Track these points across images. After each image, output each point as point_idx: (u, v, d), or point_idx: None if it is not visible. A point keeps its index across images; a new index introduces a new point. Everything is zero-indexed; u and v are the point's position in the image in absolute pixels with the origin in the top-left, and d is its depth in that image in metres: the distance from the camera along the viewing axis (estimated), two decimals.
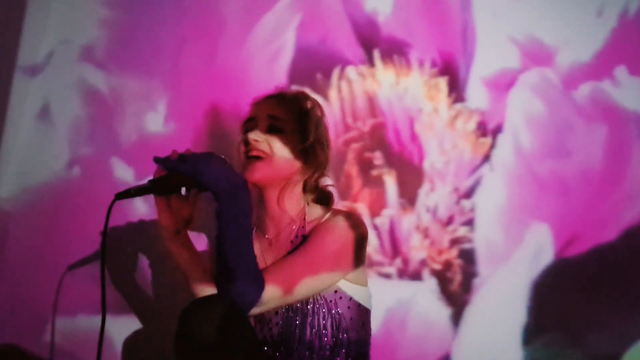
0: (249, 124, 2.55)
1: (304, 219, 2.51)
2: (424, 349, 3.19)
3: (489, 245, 3.19)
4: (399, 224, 3.23)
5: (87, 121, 3.43)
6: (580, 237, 3.12)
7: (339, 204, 2.65)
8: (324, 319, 2.45)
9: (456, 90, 3.25)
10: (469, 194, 3.21)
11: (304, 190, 2.55)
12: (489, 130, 3.21)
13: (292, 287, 2.36)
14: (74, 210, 3.33)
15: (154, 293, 3.22)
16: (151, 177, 2.38)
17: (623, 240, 3.09)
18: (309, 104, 2.58)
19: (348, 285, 2.47)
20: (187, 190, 2.35)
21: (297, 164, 2.51)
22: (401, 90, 3.28)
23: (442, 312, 3.18)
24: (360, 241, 2.48)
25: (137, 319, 3.20)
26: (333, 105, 3.28)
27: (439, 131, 3.24)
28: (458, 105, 3.25)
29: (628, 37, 3.17)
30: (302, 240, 2.46)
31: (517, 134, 3.19)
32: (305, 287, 2.39)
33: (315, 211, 2.53)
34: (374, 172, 3.27)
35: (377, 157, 3.26)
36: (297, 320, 2.45)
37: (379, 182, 3.26)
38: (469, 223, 3.20)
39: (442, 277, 3.20)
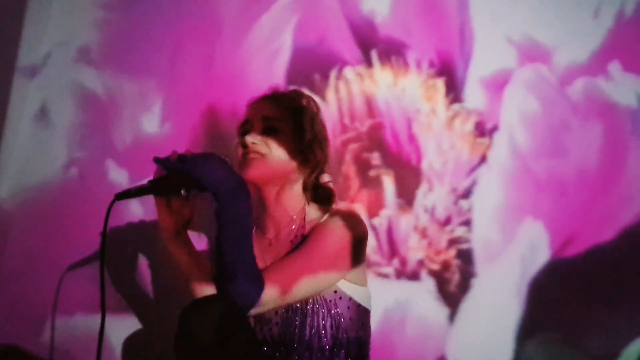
0: (245, 126, 2.55)
1: (304, 218, 2.51)
2: (422, 349, 3.19)
3: (487, 245, 3.19)
4: (396, 225, 3.23)
5: (85, 122, 3.42)
6: (577, 237, 3.13)
7: (337, 204, 2.64)
8: (323, 319, 2.45)
9: (454, 91, 3.26)
10: (466, 194, 3.21)
11: (304, 189, 2.54)
12: (486, 130, 3.22)
13: (290, 287, 2.36)
14: (73, 210, 3.32)
15: (154, 293, 3.22)
16: (150, 178, 2.38)
17: (620, 240, 3.09)
18: (303, 102, 2.58)
19: (348, 286, 2.47)
20: (186, 190, 2.34)
21: (295, 163, 2.51)
22: (399, 91, 3.28)
23: (440, 312, 3.18)
24: (359, 241, 2.48)
25: (137, 319, 3.20)
26: (331, 106, 3.28)
27: (437, 132, 3.24)
28: (456, 106, 3.25)
29: (624, 38, 3.18)
30: (302, 240, 2.47)
31: (512, 132, 3.20)
32: (304, 287, 2.39)
33: (315, 211, 2.53)
34: (372, 173, 3.27)
35: (375, 158, 3.26)
36: (296, 320, 2.45)
37: (376, 183, 3.26)
38: (467, 223, 3.20)
39: (440, 278, 3.20)
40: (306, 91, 2.78)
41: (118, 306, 3.18)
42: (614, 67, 3.16)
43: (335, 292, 2.46)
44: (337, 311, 2.46)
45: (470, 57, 3.25)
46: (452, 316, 3.18)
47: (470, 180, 3.21)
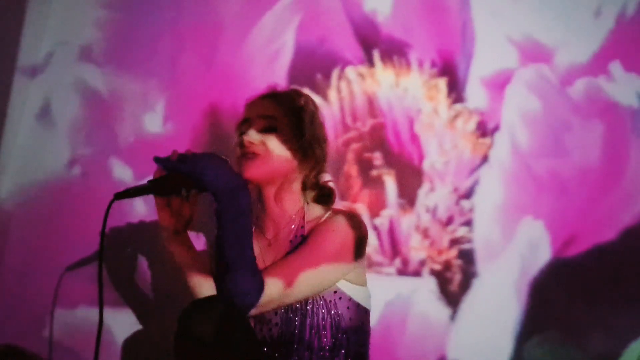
0: (243, 125, 2.54)
1: (303, 218, 2.50)
2: (423, 349, 3.19)
3: (488, 245, 3.19)
4: (398, 225, 3.23)
5: (87, 121, 3.43)
6: (579, 237, 3.13)
7: (338, 204, 2.64)
8: (323, 319, 2.44)
9: (456, 91, 3.26)
10: (468, 194, 3.21)
11: (303, 188, 2.54)
12: (488, 130, 3.22)
13: (292, 282, 2.34)
14: (75, 209, 3.33)
15: (154, 293, 3.22)
16: (151, 177, 2.38)
17: (622, 239, 3.09)
18: (301, 101, 2.56)
19: (348, 286, 2.47)
20: (187, 190, 2.34)
21: (294, 162, 2.50)
22: (401, 91, 3.29)
23: (441, 312, 3.18)
24: (360, 240, 2.47)
25: (137, 319, 3.20)
26: (333, 106, 3.29)
27: (439, 131, 3.24)
28: (457, 106, 3.25)
29: (625, 38, 3.18)
30: (302, 240, 2.46)
31: (513, 132, 3.20)
32: (306, 281, 2.37)
33: (315, 211, 2.52)
34: (374, 173, 3.27)
35: (377, 158, 3.27)
36: (296, 320, 2.45)
37: (378, 183, 3.26)
38: (469, 223, 3.20)
39: (442, 277, 3.20)
40: (308, 91, 2.78)
41: (119, 301, 3.19)
42: (615, 67, 3.16)
43: (335, 292, 2.45)
44: (337, 311, 2.45)
45: (472, 57, 3.26)
46: (453, 315, 3.18)
47: (472, 180, 3.21)
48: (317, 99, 2.67)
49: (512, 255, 3.16)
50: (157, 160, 2.32)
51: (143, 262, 3.21)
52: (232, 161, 2.38)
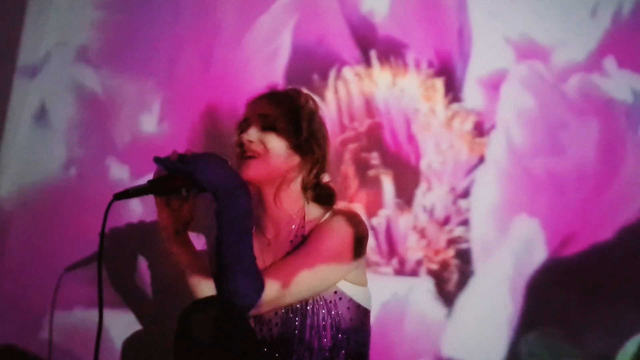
0: (243, 125, 2.55)
1: (304, 218, 2.51)
2: (420, 348, 3.19)
3: (485, 245, 3.20)
4: (395, 224, 3.23)
5: (83, 122, 3.42)
6: (576, 236, 3.13)
7: (337, 204, 2.65)
8: (323, 319, 2.45)
9: (453, 91, 3.26)
10: (465, 194, 3.21)
11: (303, 188, 2.54)
12: (485, 130, 3.22)
13: (289, 282, 2.35)
14: (73, 209, 3.32)
15: (153, 294, 3.22)
16: (151, 177, 2.38)
17: (619, 239, 3.10)
18: (301, 100, 2.57)
19: (348, 286, 2.47)
20: (186, 190, 2.34)
21: (293, 161, 2.50)
22: (398, 91, 3.28)
23: (439, 312, 3.19)
24: (360, 239, 2.47)
25: (137, 319, 3.20)
26: (330, 106, 3.28)
27: (436, 131, 3.25)
28: (454, 106, 3.25)
29: (622, 37, 3.19)
30: (302, 240, 2.46)
31: (509, 130, 3.21)
32: (303, 281, 2.38)
33: (315, 211, 2.52)
34: (371, 173, 3.27)
35: (374, 158, 3.27)
36: (296, 320, 2.45)
37: (375, 183, 3.26)
38: (466, 223, 3.21)
39: (439, 277, 3.20)
40: (305, 91, 2.78)
41: (118, 301, 3.19)
42: (609, 63, 3.17)
43: (335, 292, 2.46)
44: (337, 312, 2.45)
45: (469, 57, 3.26)
46: (449, 314, 3.19)
47: (469, 179, 3.21)
48: (314, 98, 2.66)
49: (509, 254, 3.17)
50: (156, 160, 2.32)
51: (143, 263, 3.21)
52: (232, 161, 2.38)
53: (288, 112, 2.52)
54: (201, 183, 2.27)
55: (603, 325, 3.08)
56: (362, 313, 2.51)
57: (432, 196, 3.23)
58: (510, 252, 3.16)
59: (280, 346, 2.47)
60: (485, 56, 3.25)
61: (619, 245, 3.11)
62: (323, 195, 2.57)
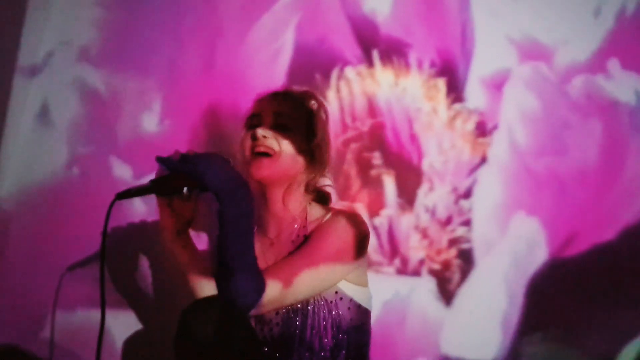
0: (253, 119, 2.54)
1: (306, 218, 2.51)
2: (422, 348, 3.19)
3: (487, 245, 3.19)
4: (397, 224, 3.23)
5: (86, 121, 3.42)
6: (578, 236, 3.13)
7: (337, 204, 2.65)
8: (324, 319, 2.45)
9: (455, 91, 3.26)
10: (467, 194, 3.21)
11: (306, 190, 2.55)
12: (487, 130, 3.22)
13: (290, 282, 2.34)
14: (75, 209, 3.32)
15: (154, 293, 3.22)
16: (153, 176, 2.38)
17: (622, 239, 3.10)
18: (315, 103, 2.58)
19: (349, 286, 2.47)
20: (189, 190, 2.34)
21: (303, 163, 2.51)
22: (400, 91, 3.28)
23: (440, 311, 3.19)
24: (361, 239, 2.47)
25: (137, 319, 3.20)
26: (332, 106, 3.27)
27: (438, 131, 3.24)
28: (457, 106, 3.25)
29: (625, 37, 3.18)
30: (304, 240, 2.46)
31: (512, 130, 3.20)
32: (304, 281, 2.37)
33: (317, 211, 2.53)
34: (373, 172, 3.27)
35: (376, 157, 3.26)
36: (297, 320, 2.45)
37: (377, 182, 3.26)
38: (468, 223, 3.20)
39: (441, 277, 3.20)
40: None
41: (119, 302, 3.19)
42: (613, 65, 3.17)
43: (336, 292, 2.46)
44: (338, 312, 2.45)
45: (471, 57, 3.25)
46: (450, 314, 3.19)
47: (471, 180, 3.21)
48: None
49: (510, 254, 3.16)
50: (159, 159, 2.32)
51: (144, 262, 3.21)
52: (235, 161, 2.37)
53: (303, 114, 2.54)
54: (203, 183, 2.26)
55: (604, 327, 3.08)
56: (362, 313, 2.51)
57: (434, 196, 3.23)
58: (511, 252, 3.16)
59: (280, 346, 2.47)
60: (487, 56, 3.25)
61: (621, 246, 3.10)
62: (320, 197, 2.58)
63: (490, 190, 3.21)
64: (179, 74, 3.40)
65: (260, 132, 2.48)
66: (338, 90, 3.31)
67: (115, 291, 3.16)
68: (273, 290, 2.32)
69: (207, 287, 2.51)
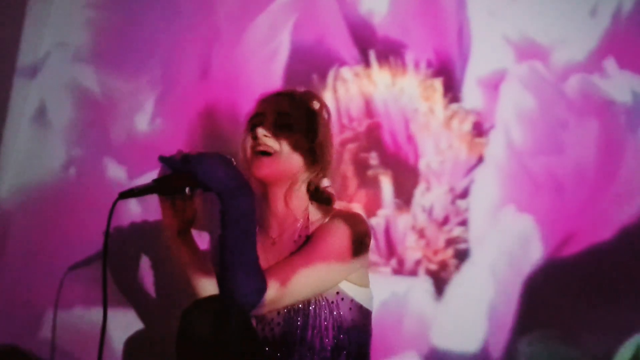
0: (256, 119, 2.54)
1: (307, 218, 2.51)
2: (418, 348, 3.20)
3: (484, 245, 3.20)
4: (394, 224, 3.23)
5: (83, 122, 3.42)
6: (575, 236, 3.14)
7: (337, 204, 2.65)
8: (325, 320, 2.44)
9: (452, 91, 3.26)
10: (464, 194, 3.22)
11: (308, 190, 2.55)
12: (484, 130, 3.23)
13: (286, 281, 2.33)
14: (73, 209, 3.32)
15: (156, 293, 3.21)
16: (149, 176, 2.38)
17: (618, 239, 3.10)
18: (317, 104, 2.58)
19: (350, 287, 2.47)
20: (191, 190, 2.33)
21: (304, 162, 2.51)
22: (397, 91, 3.29)
23: (437, 311, 3.19)
24: (360, 239, 2.47)
25: (139, 318, 3.20)
26: (329, 106, 3.27)
27: (435, 131, 3.25)
28: (454, 106, 3.26)
29: (621, 37, 3.19)
30: (305, 240, 2.46)
31: (509, 130, 3.21)
32: (302, 280, 2.36)
33: (318, 211, 2.53)
34: (370, 173, 3.27)
35: (373, 158, 3.27)
36: (298, 320, 2.45)
37: (374, 183, 3.26)
38: (465, 223, 3.21)
39: (438, 277, 3.20)
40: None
41: (119, 301, 3.19)
42: (609, 64, 3.18)
43: (338, 293, 2.46)
44: (339, 312, 2.45)
45: (468, 57, 3.26)
46: (445, 314, 3.19)
47: (468, 180, 3.21)
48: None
49: (507, 255, 3.17)
50: (161, 159, 2.32)
51: (144, 262, 3.20)
52: (237, 161, 2.37)
53: (306, 114, 2.54)
54: (205, 183, 2.25)
55: (601, 327, 3.08)
56: (363, 314, 2.51)
57: (431, 196, 3.23)
58: (508, 252, 3.16)
59: (281, 346, 2.47)
60: (484, 56, 3.26)
61: (617, 246, 3.11)
62: (323, 199, 2.58)
63: (487, 190, 3.21)
64: (175, 75, 3.40)
65: (261, 131, 2.48)
66: (335, 91, 3.31)
67: (115, 291, 3.15)
68: (270, 291, 2.32)
69: (208, 287, 2.52)
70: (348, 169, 3.26)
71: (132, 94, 3.39)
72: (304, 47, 3.34)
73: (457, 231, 3.21)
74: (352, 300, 2.47)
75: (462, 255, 3.20)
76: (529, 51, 3.22)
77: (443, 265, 3.21)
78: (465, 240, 3.20)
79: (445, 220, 3.22)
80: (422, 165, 3.24)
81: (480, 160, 3.22)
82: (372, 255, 3.19)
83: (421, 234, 3.22)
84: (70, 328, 3.24)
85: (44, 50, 3.47)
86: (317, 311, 2.44)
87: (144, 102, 3.40)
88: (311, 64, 3.32)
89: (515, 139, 3.20)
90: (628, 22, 3.19)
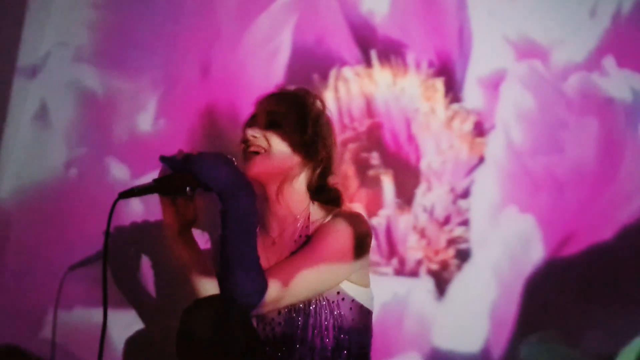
0: (250, 121, 2.55)
1: (308, 218, 2.50)
2: (419, 348, 3.19)
3: (485, 245, 3.20)
4: (395, 224, 3.24)
5: (84, 121, 3.42)
6: (575, 236, 3.14)
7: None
8: (326, 319, 2.44)
9: (453, 91, 3.27)
10: (465, 194, 3.22)
11: (308, 188, 2.54)
12: (485, 130, 3.23)
13: (288, 281, 2.32)
14: (74, 209, 3.32)
15: (156, 293, 3.21)
16: (150, 175, 2.38)
17: (619, 239, 3.10)
18: (309, 99, 2.57)
19: (350, 287, 2.47)
20: (192, 189, 2.33)
21: (295, 159, 2.50)
22: (398, 91, 3.29)
23: (438, 312, 3.19)
24: (361, 239, 2.46)
25: (139, 318, 3.20)
26: (330, 106, 3.26)
27: (436, 131, 3.25)
28: (455, 106, 3.26)
29: (621, 37, 3.19)
30: (306, 240, 2.46)
31: (508, 130, 3.21)
32: (303, 280, 2.35)
33: (320, 211, 2.51)
34: (371, 173, 3.27)
35: (374, 158, 3.27)
36: (299, 320, 2.44)
37: (375, 183, 3.26)
38: (466, 223, 3.21)
39: (439, 277, 3.20)
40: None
41: (119, 300, 3.18)
42: (609, 63, 3.18)
43: (338, 293, 2.45)
44: (340, 312, 2.45)
45: (469, 57, 3.26)
46: (446, 314, 3.19)
47: (469, 179, 3.21)
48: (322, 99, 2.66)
49: (508, 254, 3.17)
50: (162, 159, 2.32)
51: (145, 262, 3.20)
52: (238, 160, 2.37)
53: (295, 110, 2.52)
54: (206, 182, 2.25)
55: (602, 327, 3.08)
56: (364, 314, 2.50)
57: (432, 196, 3.23)
58: (509, 252, 3.17)
59: (282, 346, 2.47)
60: (485, 56, 3.26)
61: (618, 246, 3.11)
62: (330, 198, 2.56)
63: (488, 190, 3.22)
64: (176, 74, 3.41)
65: (250, 132, 2.49)
66: (336, 91, 3.31)
67: (115, 291, 3.15)
68: (274, 290, 2.31)
69: (209, 287, 2.52)
70: (349, 168, 3.27)
71: (133, 94, 3.39)
72: (304, 47, 3.35)
73: (458, 231, 3.21)
74: (352, 300, 2.47)
75: (463, 255, 3.20)
76: (528, 51, 3.22)
77: (444, 265, 3.21)
78: (466, 240, 3.21)
79: (446, 220, 3.22)
80: (423, 165, 3.25)
81: (481, 160, 3.22)
82: (374, 256, 3.19)
83: (422, 234, 3.23)
84: (71, 328, 3.24)
85: (44, 50, 3.47)
86: (318, 311, 2.44)
87: (145, 102, 3.40)
88: (312, 63, 3.33)
89: (515, 138, 3.20)
90: (627, 23, 3.19)
